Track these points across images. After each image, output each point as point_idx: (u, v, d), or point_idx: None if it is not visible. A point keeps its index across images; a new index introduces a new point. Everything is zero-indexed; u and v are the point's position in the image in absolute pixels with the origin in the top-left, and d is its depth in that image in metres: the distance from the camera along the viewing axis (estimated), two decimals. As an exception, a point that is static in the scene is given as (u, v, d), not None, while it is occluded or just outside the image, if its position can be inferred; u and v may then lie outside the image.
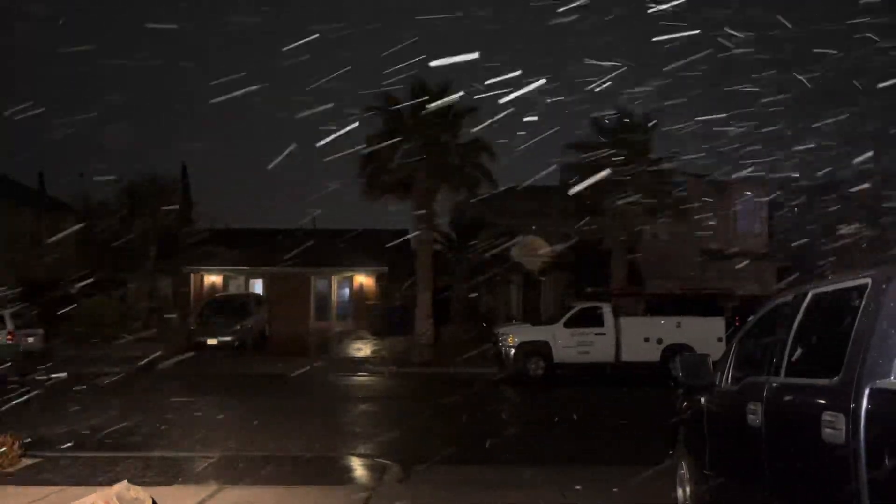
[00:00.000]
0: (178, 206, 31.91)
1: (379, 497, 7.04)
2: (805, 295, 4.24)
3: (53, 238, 26.15)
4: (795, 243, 30.26)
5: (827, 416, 3.34)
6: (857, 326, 3.42)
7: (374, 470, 8.55)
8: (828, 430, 3.31)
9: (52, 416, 11.59)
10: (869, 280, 3.55)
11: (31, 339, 20.91)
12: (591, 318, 19.11)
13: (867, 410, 3.12)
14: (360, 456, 9.64)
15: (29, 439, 8.86)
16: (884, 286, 3.41)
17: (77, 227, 27.45)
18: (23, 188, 36.06)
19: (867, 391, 3.16)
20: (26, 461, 8.27)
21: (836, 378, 3.40)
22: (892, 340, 3.24)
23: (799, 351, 4.06)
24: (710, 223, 31.16)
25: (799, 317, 4.17)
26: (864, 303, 3.47)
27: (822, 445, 3.34)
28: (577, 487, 7.30)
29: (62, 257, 28.76)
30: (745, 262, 29.96)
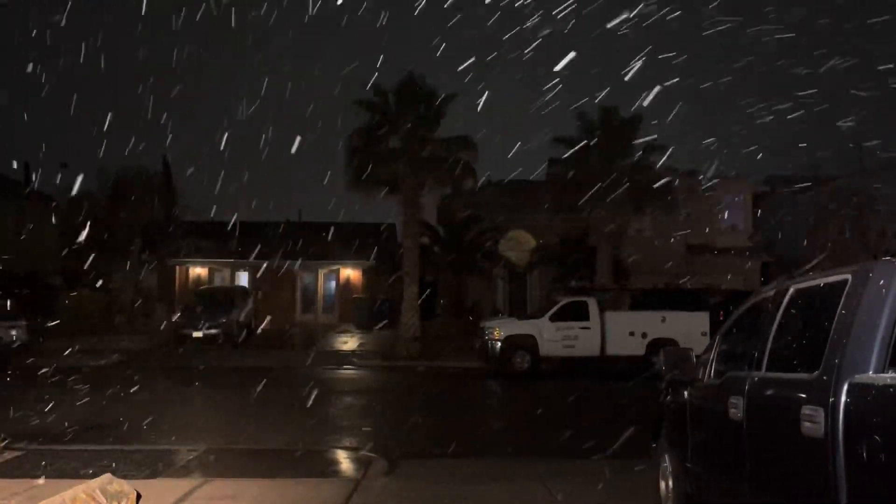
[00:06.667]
0: (162, 197, 31.68)
1: (364, 490, 7.05)
2: (786, 290, 4.28)
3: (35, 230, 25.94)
4: (779, 238, 30.46)
5: (806, 410, 3.37)
6: (837, 322, 3.46)
7: (359, 463, 8.55)
8: (807, 424, 3.34)
9: (34, 409, 11.50)
10: (849, 276, 3.59)
11: (13, 332, 20.72)
12: (576, 313, 19.21)
13: (846, 405, 3.15)
14: (345, 449, 9.63)
15: (10, 434, 8.80)
16: (864, 282, 3.45)
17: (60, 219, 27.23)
18: (4, 179, 35.64)
19: (846, 386, 3.19)
20: (8, 454, 8.21)
21: (815, 372, 3.44)
22: (872, 336, 3.27)
23: (780, 345, 4.11)
24: (695, 218, 31.38)
25: (780, 312, 4.21)
26: (844, 298, 3.51)
27: (801, 439, 3.38)
28: (562, 479, 7.34)
29: (46, 249, 28.52)
30: (729, 256, 30.17)
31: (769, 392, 4.01)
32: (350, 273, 34.64)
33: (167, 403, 12.83)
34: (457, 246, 29.87)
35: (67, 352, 19.82)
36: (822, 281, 3.93)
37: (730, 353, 4.98)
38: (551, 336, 18.95)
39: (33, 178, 33.59)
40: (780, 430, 3.73)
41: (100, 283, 27.96)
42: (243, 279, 34.06)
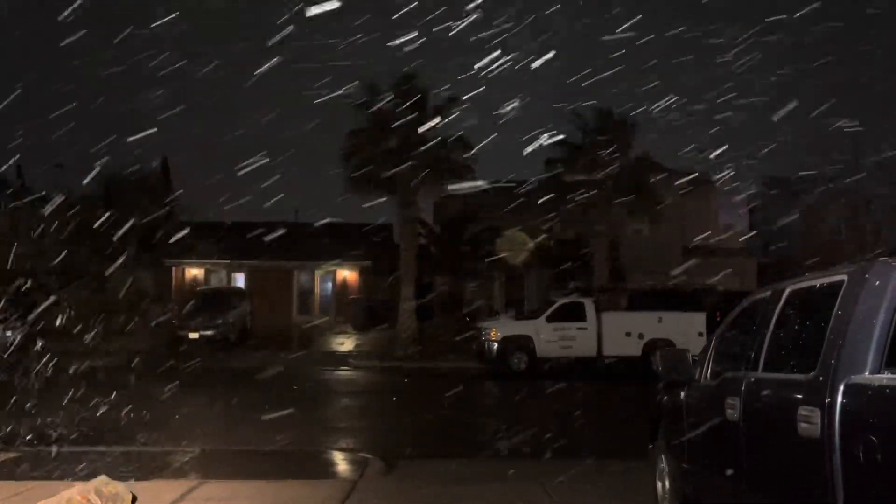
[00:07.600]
0: (159, 197, 31.57)
1: (362, 491, 7.04)
2: (782, 291, 4.28)
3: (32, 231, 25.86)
4: (776, 239, 30.51)
5: (803, 410, 3.37)
6: (834, 322, 3.46)
7: (356, 464, 8.54)
8: (803, 425, 3.34)
9: (29, 411, 11.46)
10: (845, 276, 3.59)
11: (8, 332, 20.68)
12: (573, 313, 19.21)
13: (842, 405, 3.15)
14: (342, 450, 9.63)
15: (5, 435, 8.77)
16: (860, 283, 3.45)
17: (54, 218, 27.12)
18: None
19: (842, 386, 3.19)
20: (4, 455, 8.18)
21: (812, 373, 3.44)
22: (868, 336, 3.27)
23: (776, 346, 4.11)
24: (692, 219, 31.42)
25: (776, 312, 4.21)
26: (840, 299, 3.51)
27: (797, 440, 3.38)
28: (559, 480, 7.34)
29: (41, 250, 28.38)
30: (726, 258, 30.22)
31: (766, 393, 4.01)
32: (347, 274, 34.58)
33: (163, 404, 12.79)
34: (454, 246, 29.85)
35: (62, 353, 19.74)
36: (818, 281, 3.93)
37: (726, 353, 4.98)
38: (548, 337, 18.96)
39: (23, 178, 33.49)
40: (777, 430, 3.73)
41: (95, 283, 27.86)
42: (240, 280, 34.00)
